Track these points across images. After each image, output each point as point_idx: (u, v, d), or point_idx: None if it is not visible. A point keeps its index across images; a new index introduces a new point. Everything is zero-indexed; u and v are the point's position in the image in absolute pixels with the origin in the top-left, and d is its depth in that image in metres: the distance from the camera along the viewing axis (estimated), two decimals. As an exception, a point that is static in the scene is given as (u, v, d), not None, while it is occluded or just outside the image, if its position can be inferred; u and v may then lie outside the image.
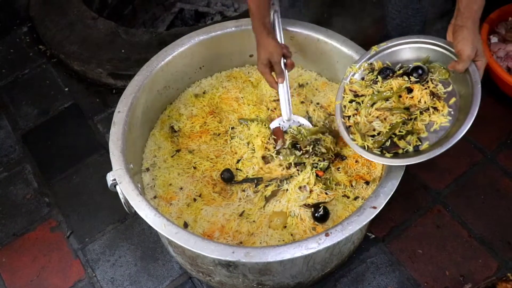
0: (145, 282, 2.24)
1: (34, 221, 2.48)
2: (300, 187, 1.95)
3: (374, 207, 1.66)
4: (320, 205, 1.91)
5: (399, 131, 1.77)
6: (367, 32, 3.03)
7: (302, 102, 2.23)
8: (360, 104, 1.89)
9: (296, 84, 2.31)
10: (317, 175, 1.99)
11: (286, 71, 2.03)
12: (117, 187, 1.79)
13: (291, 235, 1.88)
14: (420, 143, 1.76)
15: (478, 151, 2.52)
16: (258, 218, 1.92)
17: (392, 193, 1.70)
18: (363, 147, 1.81)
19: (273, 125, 2.13)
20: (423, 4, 2.36)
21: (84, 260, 2.33)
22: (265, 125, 2.13)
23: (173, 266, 2.27)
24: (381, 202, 1.67)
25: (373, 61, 1.98)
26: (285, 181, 1.99)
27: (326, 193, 1.96)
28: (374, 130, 1.82)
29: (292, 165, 2.01)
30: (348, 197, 1.98)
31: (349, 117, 1.90)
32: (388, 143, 1.78)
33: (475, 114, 1.66)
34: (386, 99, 1.84)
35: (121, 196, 1.79)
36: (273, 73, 2.03)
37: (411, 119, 1.78)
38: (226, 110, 2.25)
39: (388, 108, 1.81)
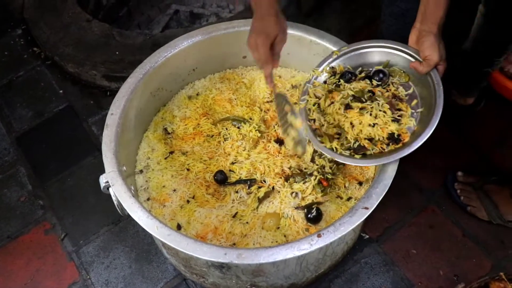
0: (139, 284, 2.25)
1: (28, 224, 2.48)
2: (292, 193, 1.96)
3: (366, 208, 1.66)
4: (313, 206, 1.92)
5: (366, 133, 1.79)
6: (362, 33, 3.06)
7: (295, 103, 2.22)
8: (323, 107, 1.90)
9: (289, 86, 2.31)
10: (319, 182, 1.99)
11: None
12: (110, 189, 1.79)
13: (284, 236, 1.88)
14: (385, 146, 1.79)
15: (473, 151, 2.53)
16: (251, 220, 1.92)
17: (384, 193, 1.70)
18: (331, 149, 1.82)
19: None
20: None
21: (78, 262, 2.33)
22: (256, 127, 2.15)
23: (168, 268, 2.27)
24: (373, 203, 1.67)
25: (335, 64, 2.00)
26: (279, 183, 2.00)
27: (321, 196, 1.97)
28: (338, 134, 1.85)
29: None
30: (341, 198, 1.98)
31: (314, 120, 1.91)
32: (355, 145, 1.80)
33: (439, 115, 1.68)
34: (358, 100, 1.84)
35: (114, 198, 1.78)
36: None
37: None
38: (220, 112, 2.25)
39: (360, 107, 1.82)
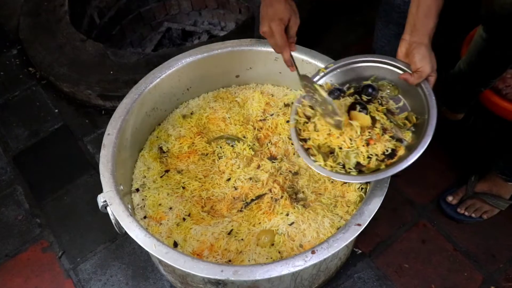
0: (136, 301, 2.27)
1: (26, 242, 2.51)
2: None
3: (359, 224, 1.70)
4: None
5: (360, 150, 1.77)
6: (352, 51, 3.11)
7: (287, 122, 2.26)
8: (315, 125, 1.87)
9: (282, 104, 2.35)
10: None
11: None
12: (108, 208, 1.81)
13: (279, 252, 1.90)
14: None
15: (463, 165, 2.58)
16: (246, 236, 1.95)
17: (376, 210, 1.73)
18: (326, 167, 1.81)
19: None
20: None
21: (76, 280, 2.36)
22: (250, 145, 2.19)
23: (164, 285, 2.29)
24: (366, 220, 1.71)
25: (322, 82, 1.98)
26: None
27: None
28: (331, 152, 1.81)
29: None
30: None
31: (305, 139, 1.88)
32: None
33: (434, 125, 1.67)
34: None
35: (112, 217, 1.81)
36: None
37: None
38: (214, 130, 2.29)
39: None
